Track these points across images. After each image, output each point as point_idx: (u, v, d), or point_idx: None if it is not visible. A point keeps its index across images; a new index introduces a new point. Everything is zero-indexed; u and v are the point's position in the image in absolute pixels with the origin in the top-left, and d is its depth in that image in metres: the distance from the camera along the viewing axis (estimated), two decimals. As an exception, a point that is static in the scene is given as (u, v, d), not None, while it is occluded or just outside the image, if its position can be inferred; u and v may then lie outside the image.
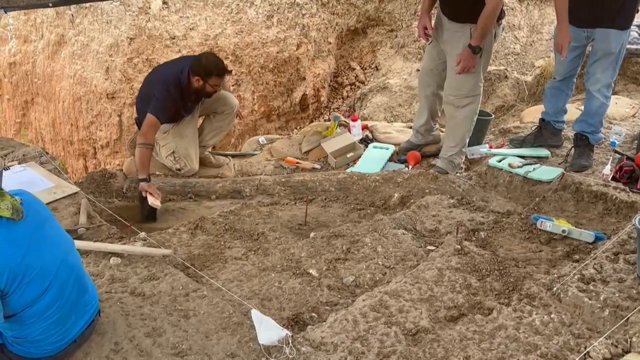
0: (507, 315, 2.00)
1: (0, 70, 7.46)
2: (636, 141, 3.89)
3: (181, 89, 3.71)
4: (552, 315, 1.98)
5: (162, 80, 3.71)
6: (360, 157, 4.40)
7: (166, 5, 6.57)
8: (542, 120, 4.04)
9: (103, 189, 3.75)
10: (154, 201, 3.40)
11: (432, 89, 3.99)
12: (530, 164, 3.61)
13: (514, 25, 7.68)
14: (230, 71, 3.87)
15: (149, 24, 6.40)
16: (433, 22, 3.76)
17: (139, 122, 3.96)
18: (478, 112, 3.82)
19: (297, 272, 2.47)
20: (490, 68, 5.62)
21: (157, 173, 4.09)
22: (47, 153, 3.77)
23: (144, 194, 3.45)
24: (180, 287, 2.27)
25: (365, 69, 7.96)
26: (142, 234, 2.65)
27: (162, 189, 3.78)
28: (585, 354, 1.81)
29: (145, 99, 3.80)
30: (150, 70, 6.29)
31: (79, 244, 2.40)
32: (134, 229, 2.78)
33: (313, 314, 2.19)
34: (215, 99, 4.05)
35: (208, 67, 3.62)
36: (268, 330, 1.99)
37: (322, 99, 7.53)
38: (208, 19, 6.63)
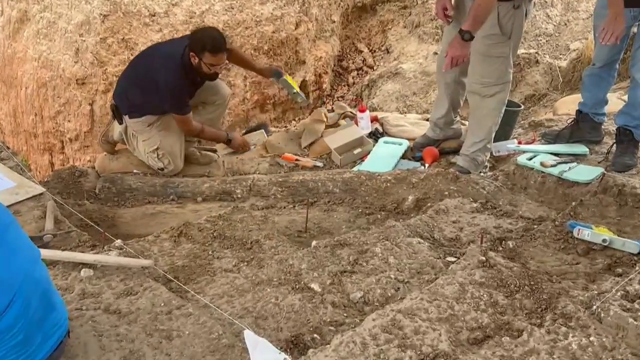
0: (539, 338, 1.99)
1: (-47, 52, 7.47)
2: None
3: (186, 71, 3.76)
4: (592, 338, 1.97)
5: (166, 67, 3.75)
6: (368, 153, 4.41)
7: (145, -23, 6.57)
8: (579, 112, 4.04)
9: (72, 189, 3.75)
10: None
11: (454, 75, 4.00)
12: (566, 163, 3.60)
13: (546, 1, 7.68)
14: (230, 50, 3.89)
15: (126, -2, 6.40)
16: (453, 0, 3.77)
17: (116, 109, 3.98)
18: (506, 102, 3.83)
19: (297, 286, 2.46)
20: (518, 51, 5.61)
21: (134, 171, 4.10)
22: (8, 148, 3.77)
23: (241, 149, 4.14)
24: (162, 304, 2.26)
25: (375, 51, 7.96)
26: (118, 242, 2.65)
27: (140, 190, 3.79)
28: (629, 383, 1.80)
29: (141, 84, 3.82)
30: (126, 50, 6.34)
31: (45, 253, 2.40)
32: (108, 236, 2.78)
33: (315, 336, 2.19)
34: (204, 87, 4.06)
35: (202, 41, 3.64)
36: (263, 354, 1.98)
37: (325, 86, 7.53)
38: (194, -7, 6.63)
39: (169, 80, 3.70)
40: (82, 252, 2.62)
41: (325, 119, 4.83)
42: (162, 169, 4.06)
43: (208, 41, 3.63)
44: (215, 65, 3.72)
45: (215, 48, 3.64)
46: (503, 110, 3.81)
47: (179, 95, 3.79)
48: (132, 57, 6.30)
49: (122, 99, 3.99)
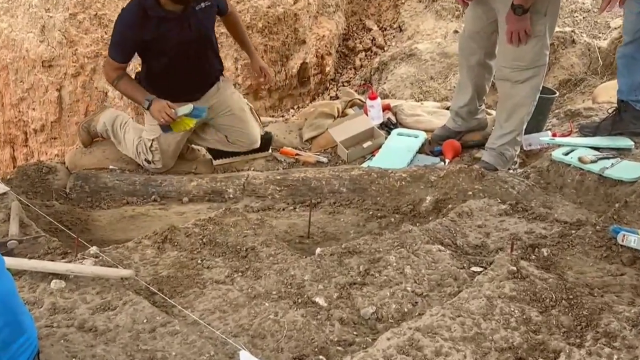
0: (579, 361, 2.00)
1: None
2: None
3: (146, 8, 3.76)
4: (639, 361, 1.98)
5: (125, 7, 3.85)
6: (380, 147, 4.41)
7: (122, -56, 6.57)
8: (621, 100, 4.04)
9: (39, 187, 3.76)
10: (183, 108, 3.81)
11: (478, 57, 4.00)
12: (608, 158, 3.61)
13: (584, -29, 7.68)
14: (227, 10, 4.03)
15: (99, -32, 6.41)
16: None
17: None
18: (541, 88, 3.83)
19: (299, 300, 2.47)
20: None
21: (110, 167, 4.11)
22: (-35, 140, 3.79)
23: (162, 119, 3.81)
24: (145, 320, 2.27)
25: (385, 29, 7.97)
26: (93, 249, 2.66)
27: (118, 189, 3.79)
28: (683, 412, 1.81)
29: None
30: (99, 28, 6.34)
31: (9, 261, 2.41)
32: (82, 242, 2.78)
33: (321, 357, 2.19)
34: (230, 123, 4.17)
35: None
36: (262, 378, 1.99)
37: (328, 69, 7.53)
38: (177, -38, 6.63)
39: (120, 14, 3.82)
40: (52, 260, 2.62)
41: (336, 113, 4.82)
42: (148, 162, 4.09)
43: None
44: None
45: None
46: (537, 98, 3.81)
47: (118, 30, 3.83)
48: (105, 36, 6.36)
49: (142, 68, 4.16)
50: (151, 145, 4.07)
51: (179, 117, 3.91)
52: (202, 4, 3.94)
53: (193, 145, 4.41)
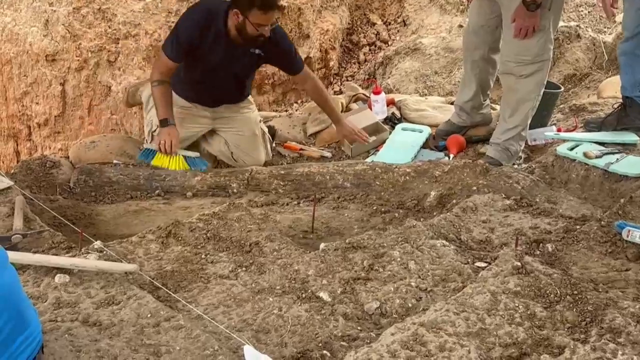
0: (583, 356, 2.00)
1: None
2: None
3: (210, 25, 3.77)
4: (644, 356, 1.98)
5: (193, 9, 3.89)
6: (384, 142, 4.41)
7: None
8: (625, 96, 4.04)
9: (43, 182, 3.76)
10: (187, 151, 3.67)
11: (483, 52, 4.00)
12: (613, 153, 3.60)
13: (589, -35, 7.65)
14: (282, 7, 3.95)
15: (103, -39, 6.41)
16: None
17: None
18: (545, 83, 3.83)
19: (303, 295, 2.47)
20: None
21: (114, 161, 4.11)
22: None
23: (157, 145, 3.70)
24: (149, 315, 2.27)
25: (390, 23, 7.95)
26: (98, 243, 2.66)
27: (122, 184, 3.80)
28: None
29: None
30: (102, 22, 6.34)
31: (13, 256, 2.41)
32: (86, 236, 2.79)
33: (325, 352, 2.20)
34: (238, 143, 4.22)
35: None
36: (266, 373, 2.00)
37: (332, 63, 7.52)
38: (181, -44, 6.63)
39: (184, 15, 3.84)
40: (57, 254, 2.63)
41: (340, 108, 4.82)
42: (147, 143, 4.13)
43: None
44: (262, 25, 3.70)
45: (267, 4, 3.63)
46: (542, 93, 3.81)
47: (176, 30, 3.82)
48: (109, 30, 6.36)
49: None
50: (155, 129, 4.09)
51: (178, 154, 3.91)
52: (257, 51, 3.96)
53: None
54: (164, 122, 3.78)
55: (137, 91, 4.51)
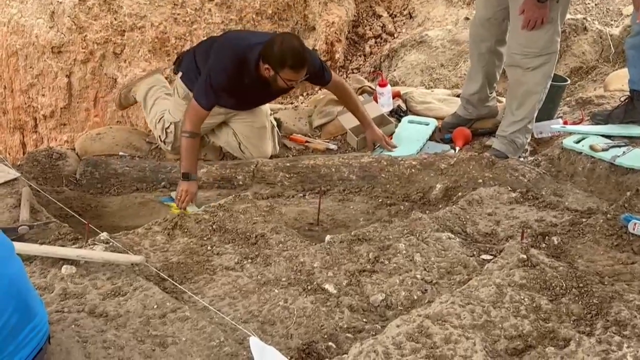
0: (589, 349, 2.00)
1: None
2: None
3: (243, 72, 3.73)
4: (649, 349, 1.98)
5: (223, 54, 3.75)
6: (390, 134, 4.41)
7: None
8: (633, 90, 4.03)
9: (50, 174, 3.78)
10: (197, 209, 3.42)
11: (489, 44, 3.99)
12: (619, 146, 3.60)
13: (596, -43, 7.62)
14: (334, 82, 4.06)
15: (109, -48, 6.41)
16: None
17: (180, 62, 4.18)
18: (552, 76, 3.82)
19: (309, 287, 2.48)
20: (564, 17, 5.59)
21: (120, 153, 4.12)
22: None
23: (178, 203, 3.51)
24: (155, 306, 2.28)
25: (396, 16, 7.93)
26: (104, 235, 2.67)
27: (128, 176, 3.81)
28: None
29: (199, 65, 3.94)
30: (108, 14, 6.34)
31: (20, 247, 2.42)
32: (92, 227, 2.80)
33: (330, 344, 2.20)
34: (247, 134, 4.19)
35: (282, 56, 3.58)
36: (271, 365, 2.00)
37: (338, 56, 7.50)
38: (187, -53, 6.62)
39: (216, 67, 3.72)
40: (63, 246, 2.64)
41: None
42: (162, 140, 4.12)
43: (289, 56, 3.57)
44: (294, 80, 3.70)
45: (298, 64, 3.61)
46: (548, 86, 3.80)
47: (211, 84, 3.72)
48: (115, 22, 6.36)
49: (189, 56, 4.10)
50: (168, 126, 4.10)
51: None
52: None
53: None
54: (185, 176, 3.60)
55: (130, 92, 4.48)
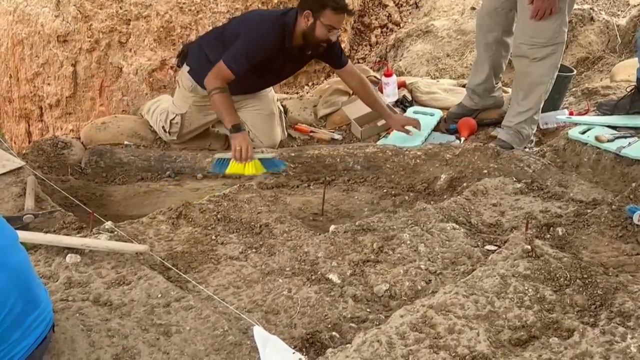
0: (592, 340, 2.00)
1: None
2: None
3: (282, 32, 3.73)
4: (653, 341, 1.98)
5: (259, 19, 3.79)
6: (395, 125, 4.40)
7: None
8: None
9: (55, 162, 3.79)
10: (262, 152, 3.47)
11: (496, 34, 3.98)
12: (625, 137, 3.58)
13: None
14: (352, 11, 3.92)
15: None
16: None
17: (184, 55, 4.14)
18: (559, 66, 3.80)
19: (313, 277, 2.48)
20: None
21: (125, 143, 4.13)
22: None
23: (239, 155, 3.52)
24: (159, 295, 2.29)
25: (402, 5, 7.91)
26: (109, 224, 2.68)
27: (133, 165, 3.81)
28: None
29: (221, 39, 3.89)
30: (114, 3, 6.33)
31: (24, 235, 2.43)
32: (97, 216, 2.81)
33: (334, 333, 2.21)
34: (255, 121, 4.16)
35: None
36: (275, 354, 2.00)
37: (343, 45, 7.49)
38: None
39: (254, 27, 3.73)
40: (68, 234, 2.64)
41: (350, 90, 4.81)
42: (164, 130, 4.12)
43: None
44: (334, 28, 3.69)
45: (339, 4, 3.63)
46: (555, 76, 3.79)
47: (249, 44, 3.71)
48: (120, 11, 6.36)
49: (195, 50, 4.09)
50: (173, 118, 4.10)
51: (254, 158, 3.67)
52: (309, 52, 3.97)
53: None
54: (236, 128, 3.63)
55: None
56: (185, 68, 4.06)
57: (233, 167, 3.53)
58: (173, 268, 2.50)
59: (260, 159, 3.59)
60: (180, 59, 4.18)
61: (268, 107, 4.21)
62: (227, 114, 3.67)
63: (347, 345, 2.04)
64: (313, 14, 3.62)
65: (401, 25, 7.62)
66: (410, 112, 4.54)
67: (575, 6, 6.39)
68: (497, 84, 4.29)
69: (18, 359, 1.87)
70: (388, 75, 4.73)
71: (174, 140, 4.18)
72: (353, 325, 2.26)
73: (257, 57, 3.74)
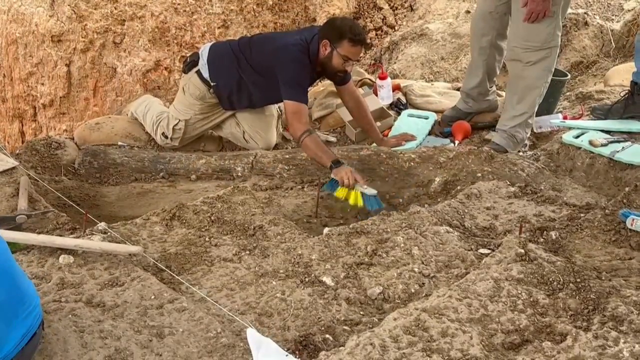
0: (585, 344, 2.00)
1: None
2: None
3: (309, 57, 3.76)
4: (646, 345, 1.98)
5: (286, 50, 3.77)
6: (390, 127, 4.41)
7: None
8: (634, 83, 4.02)
9: (48, 163, 3.77)
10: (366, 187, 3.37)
11: (490, 38, 3.99)
12: (619, 142, 3.59)
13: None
14: (370, 45, 3.93)
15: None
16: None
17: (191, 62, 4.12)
18: (553, 70, 3.81)
19: (306, 279, 2.48)
20: (566, 11, 5.57)
21: (119, 143, 4.12)
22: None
23: (346, 181, 3.37)
24: (152, 296, 2.29)
25: (397, 8, 7.91)
26: (102, 225, 2.67)
27: (126, 166, 3.81)
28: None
29: (259, 72, 3.92)
30: (109, 3, 6.32)
31: (18, 236, 2.43)
32: (90, 217, 2.80)
33: (327, 336, 2.21)
34: (252, 122, 4.18)
35: (341, 28, 3.65)
36: (268, 356, 2.00)
37: (339, 48, 7.50)
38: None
39: (291, 61, 3.74)
40: (61, 235, 2.64)
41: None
42: (165, 137, 4.11)
43: (348, 28, 3.63)
44: (350, 59, 3.72)
45: (357, 37, 3.64)
46: (549, 80, 3.80)
47: (298, 77, 3.75)
48: (115, 11, 6.36)
49: (224, 72, 4.05)
50: (177, 124, 4.09)
51: (357, 189, 3.51)
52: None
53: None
54: (336, 163, 3.47)
55: (121, 114, 4.57)
56: (193, 73, 4.07)
57: (340, 191, 3.47)
58: (166, 269, 2.50)
59: (362, 193, 3.44)
60: (187, 66, 4.15)
61: (269, 108, 4.22)
62: (322, 153, 3.56)
63: (341, 348, 2.04)
64: (331, 43, 3.64)
65: (396, 28, 7.62)
66: (404, 115, 4.54)
67: (570, 10, 6.41)
68: (491, 87, 4.30)
69: (8, 353, 1.86)
70: (383, 78, 4.74)
71: (174, 146, 4.17)
72: (346, 328, 2.26)
73: (307, 82, 3.85)
